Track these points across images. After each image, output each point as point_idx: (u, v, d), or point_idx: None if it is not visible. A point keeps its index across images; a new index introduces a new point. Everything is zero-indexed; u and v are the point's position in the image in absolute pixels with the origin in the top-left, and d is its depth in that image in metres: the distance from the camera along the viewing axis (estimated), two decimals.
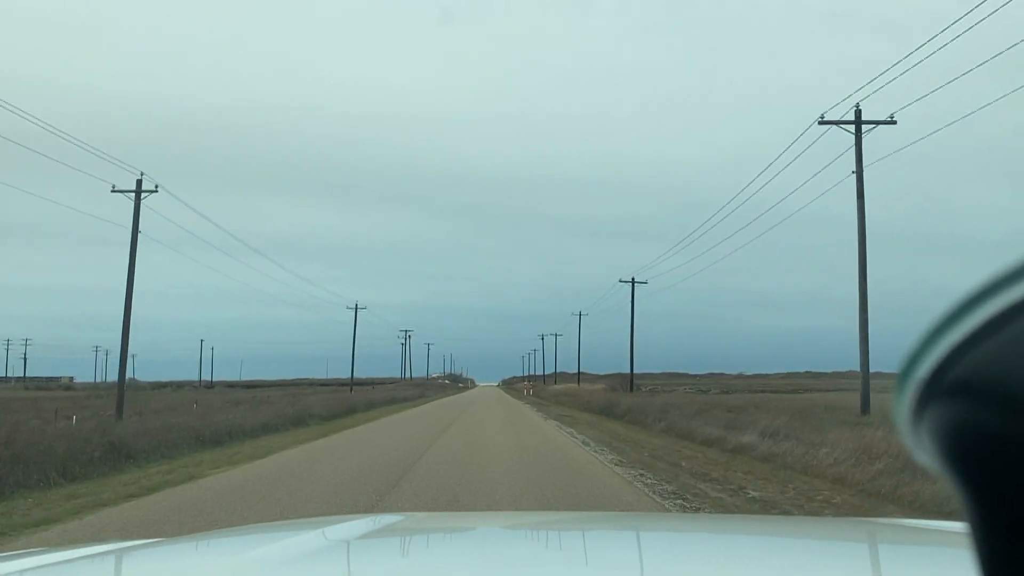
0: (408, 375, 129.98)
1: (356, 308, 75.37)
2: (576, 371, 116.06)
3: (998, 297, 0.48)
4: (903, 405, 0.57)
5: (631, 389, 52.78)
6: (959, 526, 0.68)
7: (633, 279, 54.06)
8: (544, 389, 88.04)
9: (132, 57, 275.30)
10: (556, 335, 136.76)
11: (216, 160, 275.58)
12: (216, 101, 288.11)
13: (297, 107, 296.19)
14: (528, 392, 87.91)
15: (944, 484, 0.58)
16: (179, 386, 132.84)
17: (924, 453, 0.59)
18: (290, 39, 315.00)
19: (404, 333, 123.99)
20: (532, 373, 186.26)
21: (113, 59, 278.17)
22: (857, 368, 23.51)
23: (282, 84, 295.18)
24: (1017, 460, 0.50)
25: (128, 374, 29.55)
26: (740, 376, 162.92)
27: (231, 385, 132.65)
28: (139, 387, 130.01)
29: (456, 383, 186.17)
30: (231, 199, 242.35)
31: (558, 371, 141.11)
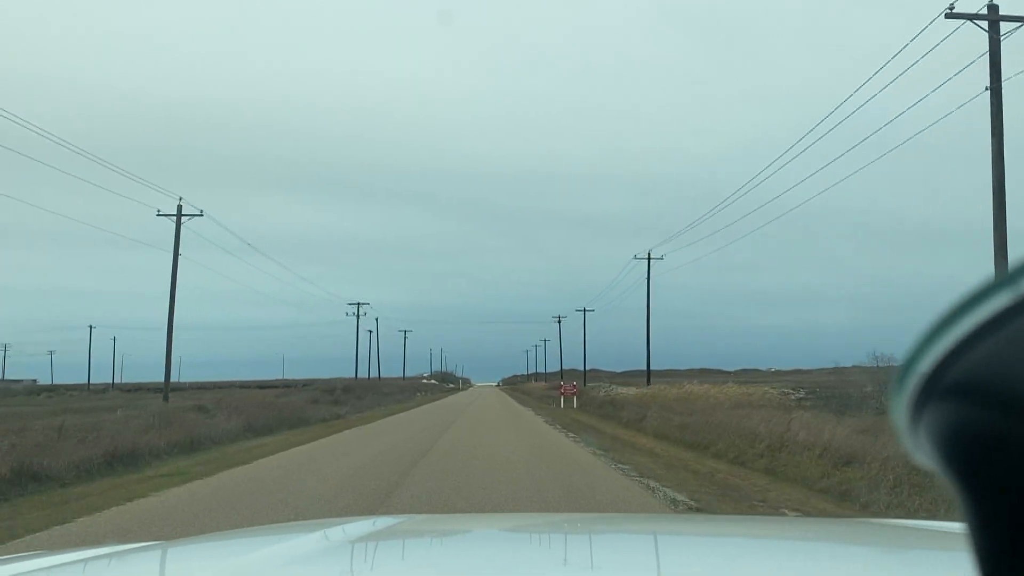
0: (375, 373, 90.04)
1: (176, 236, 33.43)
2: (585, 368, 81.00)
3: (997, 297, 0.47)
4: (901, 405, 0.56)
5: None
6: (958, 527, 0.64)
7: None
8: (594, 397, 44.34)
9: (128, 54, 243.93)
10: (586, 310, 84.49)
11: (211, 158, 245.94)
12: (211, 98, 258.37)
13: (294, 104, 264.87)
14: (567, 398, 44.78)
15: (944, 485, 0.56)
16: (70, 389, 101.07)
17: (922, 454, 0.58)
18: (288, 37, 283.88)
19: (356, 307, 74.35)
20: (537, 371, 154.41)
21: (108, 55, 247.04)
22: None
23: (279, 81, 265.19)
24: (1016, 461, 0.49)
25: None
26: (776, 372, 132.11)
27: (147, 387, 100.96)
28: (9, 392, 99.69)
29: (445, 383, 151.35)
30: (227, 198, 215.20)
31: (563, 368, 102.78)
